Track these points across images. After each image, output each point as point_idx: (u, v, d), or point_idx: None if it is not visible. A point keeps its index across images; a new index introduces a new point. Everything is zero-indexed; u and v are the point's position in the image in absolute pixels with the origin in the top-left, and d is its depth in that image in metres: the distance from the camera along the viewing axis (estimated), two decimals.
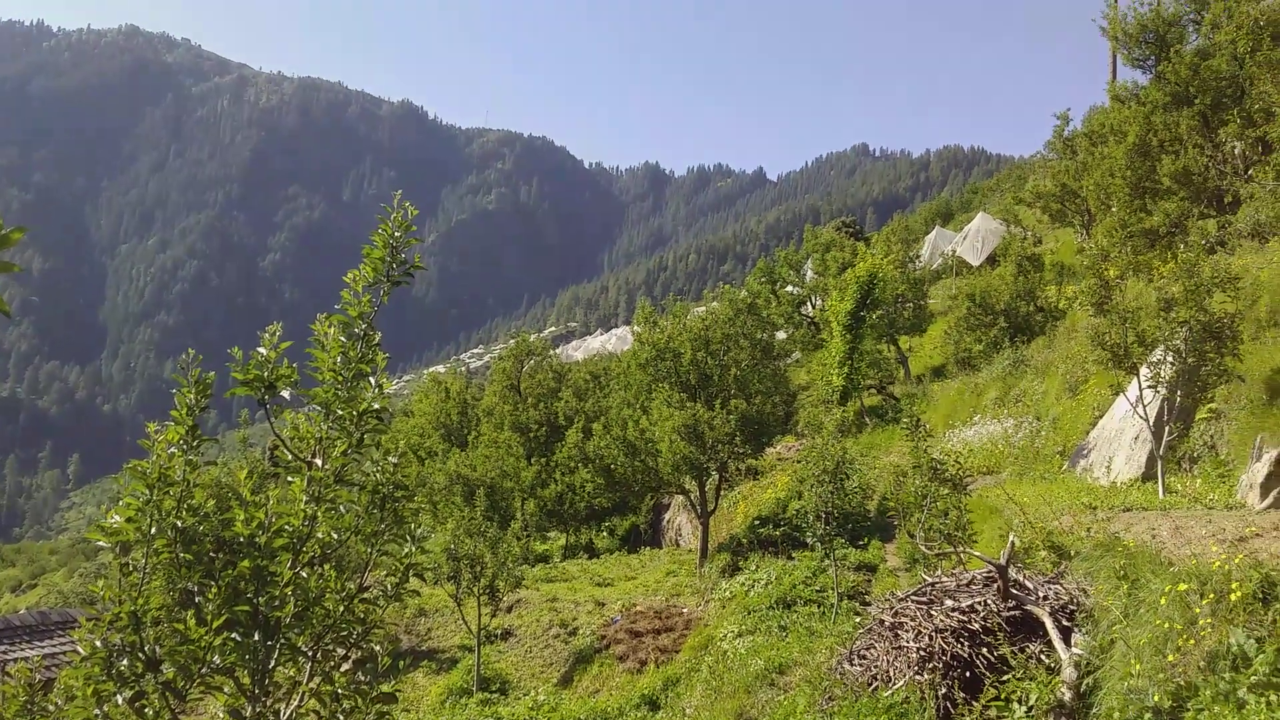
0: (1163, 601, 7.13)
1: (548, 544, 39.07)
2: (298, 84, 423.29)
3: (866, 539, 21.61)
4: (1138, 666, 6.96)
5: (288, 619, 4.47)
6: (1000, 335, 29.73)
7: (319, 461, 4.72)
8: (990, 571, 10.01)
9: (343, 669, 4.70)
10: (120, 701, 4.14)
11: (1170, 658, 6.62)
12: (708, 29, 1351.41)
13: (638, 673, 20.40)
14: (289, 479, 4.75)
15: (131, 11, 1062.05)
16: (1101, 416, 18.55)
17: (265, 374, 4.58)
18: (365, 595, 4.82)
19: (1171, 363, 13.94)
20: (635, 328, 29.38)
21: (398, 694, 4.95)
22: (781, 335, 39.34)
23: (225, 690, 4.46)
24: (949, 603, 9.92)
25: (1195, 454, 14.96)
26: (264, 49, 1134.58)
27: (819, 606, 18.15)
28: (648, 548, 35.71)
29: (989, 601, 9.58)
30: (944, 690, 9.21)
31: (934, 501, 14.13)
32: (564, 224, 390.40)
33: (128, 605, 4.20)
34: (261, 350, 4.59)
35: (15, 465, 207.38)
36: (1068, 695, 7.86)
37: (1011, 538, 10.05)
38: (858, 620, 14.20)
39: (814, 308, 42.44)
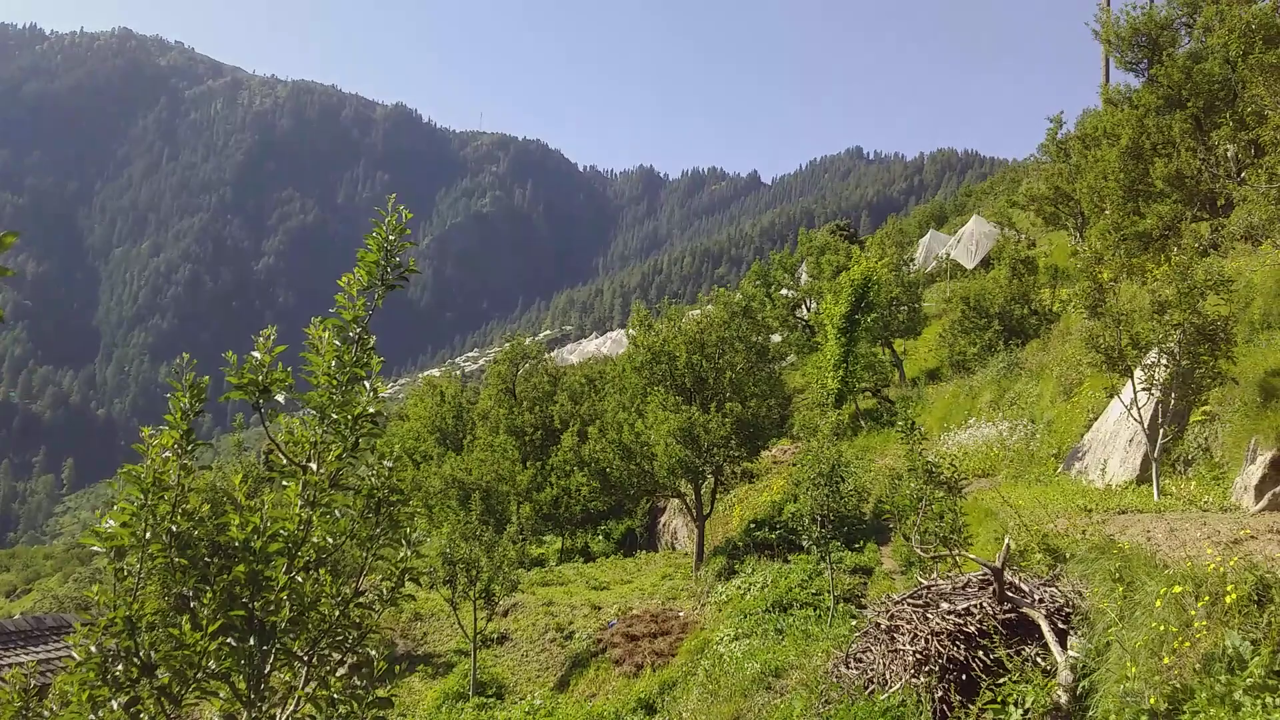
0: (1158, 604, 7.14)
1: (543, 548, 39.00)
2: (291, 87, 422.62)
3: (862, 542, 21.62)
4: (1133, 669, 6.96)
5: (283, 624, 4.46)
6: (995, 338, 29.77)
7: (314, 466, 4.71)
8: (986, 574, 10.01)
9: (338, 674, 4.69)
10: (115, 707, 4.12)
11: (1166, 660, 6.62)
12: (703, 33, 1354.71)
13: (634, 676, 20.40)
14: (284, 483, 4.74)
15: (125, 14, 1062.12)
16: (1096, 419, 18.57)
17: (260, 378, 4.56)
18: (361, 600, 4.80)
19: (1165, 365, 13.97)
20: (630, 331, 29.36)
21: (394, 698, 4.94)
22: (776, 338, 39.37)
23: (221, 695, 4.44)
24: (945, 606, 9.92)
25: (1190, 456, 14.99)
26: (258, 52, 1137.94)
27: (815, 610, 18.17)
28: (643, 551, 35.71)
29: (985, 604, 9.57)
30: (940, 693, 9.21)
31: (929, 504, 14.15)
32: (558, 227, 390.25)
33: (122, 610, 4.18)
34: (256, 354, 4.58)
35: (9, 470, 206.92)
36: (1064, 698, 7.86)
37: (1007, 540, 10.06)
38: (854, 623, 14.21)
39: (809, 311, 42.44)
